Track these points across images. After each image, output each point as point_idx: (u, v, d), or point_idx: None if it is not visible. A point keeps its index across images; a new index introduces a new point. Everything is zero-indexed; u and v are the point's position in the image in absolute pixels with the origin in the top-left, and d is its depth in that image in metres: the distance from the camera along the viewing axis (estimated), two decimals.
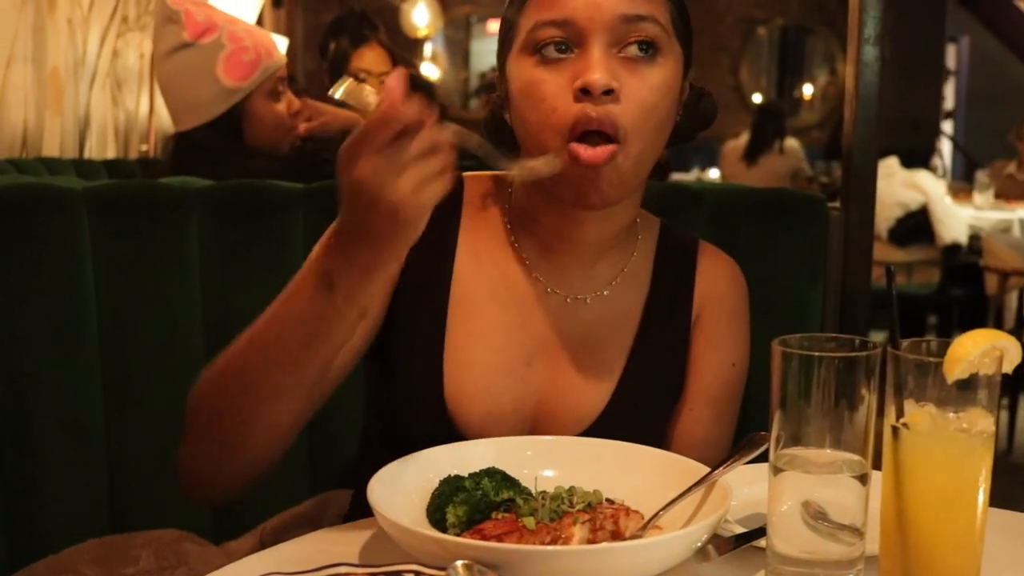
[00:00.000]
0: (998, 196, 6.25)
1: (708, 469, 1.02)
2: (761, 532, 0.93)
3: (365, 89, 0.95)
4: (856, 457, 0.85)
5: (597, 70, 1.07)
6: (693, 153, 8.18)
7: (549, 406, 1.21)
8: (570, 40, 1.10)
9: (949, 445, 0.84)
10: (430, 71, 7.91)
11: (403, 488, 1.01)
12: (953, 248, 5.26)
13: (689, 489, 1.00)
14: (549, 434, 1.19)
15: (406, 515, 0.96)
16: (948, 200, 5.54)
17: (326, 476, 1.59)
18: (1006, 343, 0.84)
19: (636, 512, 0.98)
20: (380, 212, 0.91)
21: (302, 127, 2.42)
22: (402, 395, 1.19)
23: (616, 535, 0.96)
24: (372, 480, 0.97)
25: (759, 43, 10.13)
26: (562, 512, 0.96)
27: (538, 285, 1.23)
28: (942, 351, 0.83)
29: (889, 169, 5.33)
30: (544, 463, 1.09)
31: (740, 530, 0.98)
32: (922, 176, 5.45)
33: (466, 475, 1.01)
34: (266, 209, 1.63)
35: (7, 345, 1.51)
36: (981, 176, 6.28)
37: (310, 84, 6.10)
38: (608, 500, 1.00)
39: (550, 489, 1.01)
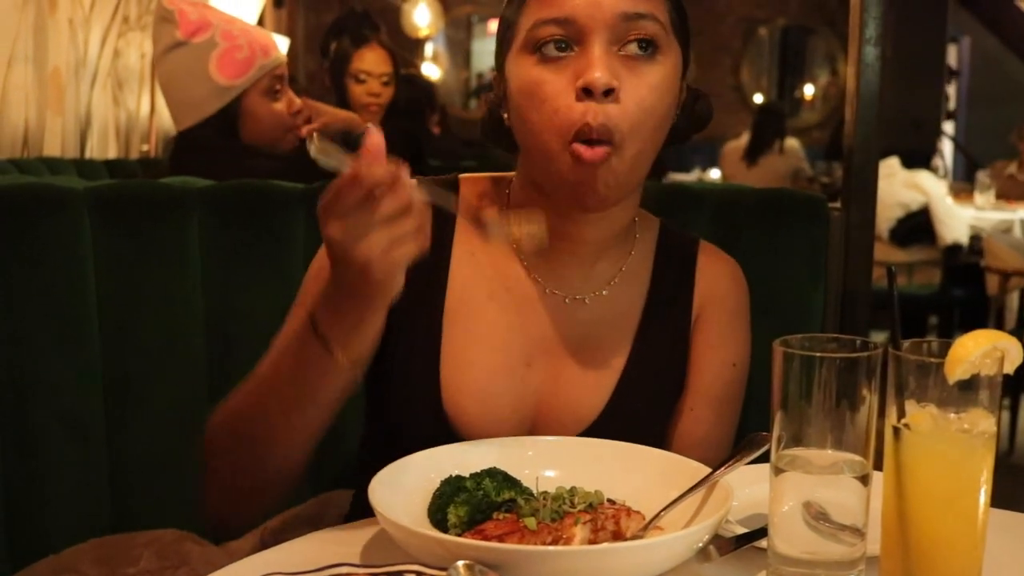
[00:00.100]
0: (999, 196, 6.25)
1: (709, 470, 1.02)
2: (762, 532, 0.93)
3: (333, 150, 0.96)
4: (857, 458, 0.85)
5: (598, 69, 1.08)
6: (694, 153, 8.18)
7: (548, 406, 1.21)
8: (570, 38, 1.10)
9: (950, 446, 0.84)
10: (431, 71, 7.91)
11: (404, 488, 1.01)
12: (954, 248, 5.26)
13: (690, 489, 1.00)
14: (548, 434, 1.19)
15: (407, 515, 0.96)
16: (949, 200, 5.54)
17: (327, 476, 1.59)
18: (1007, 344, 0.84)
19: (637, 512, 0.98)
20: (352, 270, 0.95)
21: (304, 129, 2.42)
22: (400, 397, 1.19)
23: (617, 535, 0.96)
24: (373, 480, 0.97)
25: (760, 43, 10.13)
26: (563, 512, 0.96)
27: (536, 286, 1.23)
28: (943, 352, 0.83)
29: (890, 169, 5.32)
30: (545, 463, 1.09)
31: (741, 530, 0.98)
32: (923, 176, 5.45)
33: (467, 475, 1.01)
34: (267, 209, 1.63)
35: (8, 345, 1.51)
36: (982, 176, 6.28)
37: (311, 84, 6.10)
38: (609, 500, 1.00)
39: (551, 489, 1.01)
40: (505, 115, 1.19)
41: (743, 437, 1.07)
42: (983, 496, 0.84)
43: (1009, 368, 0.84)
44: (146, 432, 1.59)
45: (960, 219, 5.40)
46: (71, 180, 1.72)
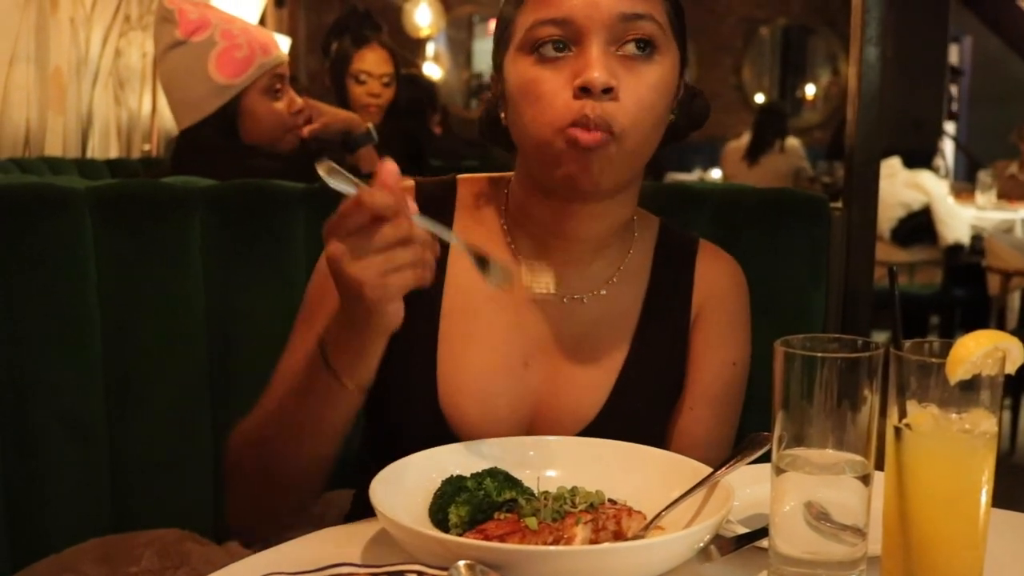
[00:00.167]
0: (1000, 196, 6.25)
1: (710, 470, 1.02)
2: (763, 532, 0.93)
3: (342, 173, 0.99)
4: (858, 458, 0.85)
5: (596, 68, 1.08)
6: (695, 153, 8.18)
7: (546, 407, 1.21)
8: (568, 39, 1.10)
9: (951, 446, 0.84)
10: (432, 71, 7.91)
11: (405, 488, 1.01)
12: (955, 248, 5.26)
13: (691, 489, 1.00)
14: (547, 434, 1.19)
15: (408, 515, 0.96)
16: (950, 200, 5.53)
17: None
18: (1009, 344, 0.83)
19: (638, 512, 0.98)
20: (348, 291, 0.98)
21: (305, 130, 2.42)
22: (398, 398, 1.19)
23: (618, 535, 0.96)
24: (374, 480, 0.97)
25: (761, 43, 10.13)
26: (564, 512, 0.96)
27: None
28: (944, 352, 0.82)
29: (891, 169, 5.32)
30: (546, 463, 1.09)
31: (742, 530, 0.98)
32: (924, 176, 5.44)
33: (468, 475, 1.01)
34: (268, 209, 1.63)
35: (9, 344, 1.51)
36: (983, 176, 6.27)
37: (312, 84, 6.10)
38: (610, 500, 1.00)
39: (552, 489, 1.01)
40: (503, 114, 1.19)
41: (744, 437, 1.07)
42: (984, 496, 0.84)
43: (1010, 368, 0.84)
44: (147, 432, 1.59)
45: (961, 219, 5.40)
46: (72, 180, 1.72)
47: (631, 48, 1.11)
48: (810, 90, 10.27)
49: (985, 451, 0.83)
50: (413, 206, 0.98)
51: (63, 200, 1.54)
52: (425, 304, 1.20)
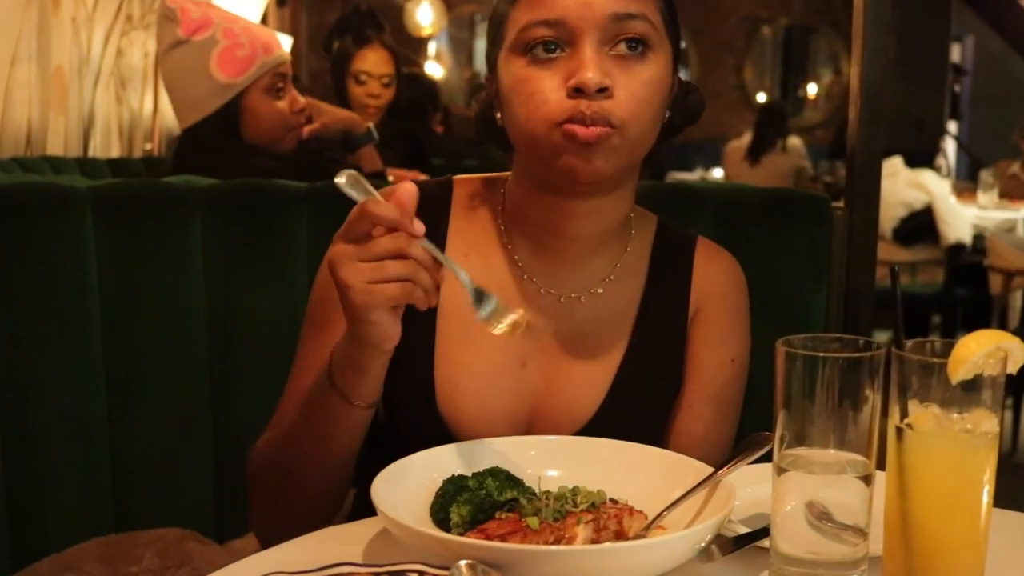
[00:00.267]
0: (1002, 196, 6.25)
1: (712, 469, 1.02)
2: (765, 532, 0.93)
3: (359, 184, 1.02)
4: (860, 458, 0.85)
5: (591, 69, 1.08)
6: (697, 153, 8.18)
7: (544, 406, 1.21)
8: (561, 39, 1.10)
9: (953, 446, 0.84)
10: (434, 70, 7.91)
11: (407, 487, 1.01)
12: (957, 248, 5.25)
13: (693, 489, 1.00)
14: (545, 434, 1.19)
15: (409, 514, 0.96)
16: (952, 200, 5.53)
17: None
18: (1010, 344, 0.83)
19: (640, 512, 0.98)
20: (340, 295, 1.00)
21: (305, 130, 2.42)
22: (396, 398, 1.19)
23: (620, 535, 0.96)
24: (376, 479, 0.97)
25: (763, 42, 10.13)
26: (566, 512, 0.96)
27: (531, 285, 1.23)
28: (946, 352, 0.82)
29: (893, 169, 5.32)
30: (548, 463, 1.09)
31: (744, 530, 0.98)
32: (926, 176, 5.44)
33: (470, 475, 1.01)
34: (269, 208, 1.63)
35: (10, 344, 1.51)
36: (985, 176, 6.27)
37: (314, 83, 6.10)
38: (612, 500, 1.00)
39: (554, 489, 1.01)
40: (498, 114, 1.19)
41: (745, 436, 1.07)
42: (986, 496, 0.84)
43: (1012, 368, 0.84)
44: (148, 431, 1.59)
45: (963, 218, 5.39)
46: (74, 179, 1.72)
47: (624, 48, 1.11)
48: (812, 89, 10.27)
49: (986, 451, 0.83)
50: (420, 228, 1.00)
51: (65, 199, 1.54)
52: None
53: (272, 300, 1.61)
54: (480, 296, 1.04)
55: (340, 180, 1.02)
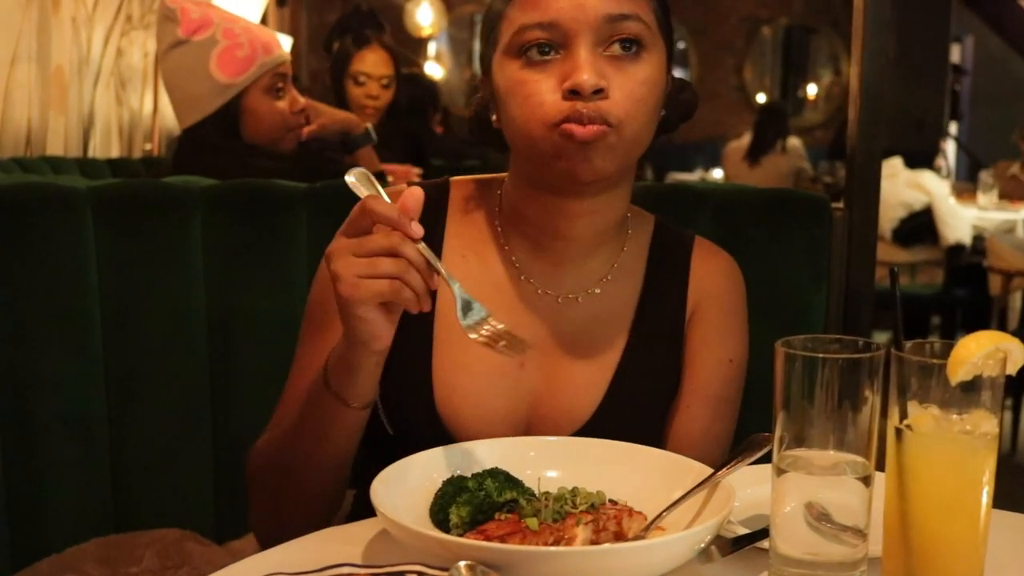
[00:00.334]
0: (1002, 197, 6.25)
1: (711, 470, 1.02)
2: (764, 533, 0.93)
3: (367, 183, 1.04)
4: (859, 459, 0.85)
5: (586, 71, 1.08)
6: (696, 153, 8.19)
7: (542, 407, 1.21)
8: (555, 41, 1.11)
9: (952, 447, 0.84)
10: (434, 70, 7.91)
11: (406, 488, 1.01)
12: (957, 249, 5.26)
13: (692, 490, 1.00)
14: (543, 435, 1.19)
15: (409, 515, 0.96)
16: (952, 200, 5.53)
17: None
18: (1010, 345, 0.83)
19: (639, 513, 0.98)
20: (333, 286, 1.01)
21: (304, 131, 2.42)
22: (394, 399, 1.19)
23: (619, 536, 0.96)
24: (375, 480, 0.97)
25: (763, 43, 10.13)
26: (565, 513, 0.96)
27: (528, 286, 1.23)
28: (945, 353, 0.82)
29: (893, 169, 5.32)
30: (547, 464, 1.09)
31: (743, 531, 0.98)
32: (926, 176, 5.44)
33: (469, 475, 1.01)
34: (269, 208, 1.63)
35: (10, 344, 1.51)
36: (985, 176, 6.27)
37: (314, 84, 6.10)
38: (611, 501, 1.00)
39: (553, 490, 1.01)
40: (493, 116, 1.19)
41: (744, 437, 1.07)
42: (985, 497, 0.84)
43: (1011, 369, 0.84)
44: (148, 431, 1.59)
45: (963, 219, 5.39)
46: (74, 179, 1.72)
47: (618, 48, 1.11)
48: (812, 90, 10.27)
49: (986, 452, 0.83)
50: (418, 231, 1.00)
51: (65, 200, 1.54)
52: None
53: (272, 300, 1.61)
54: (468, 306, 1.05)
55: (350, 178, 1.04)
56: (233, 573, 0.93)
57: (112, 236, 1.56)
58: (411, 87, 3.92)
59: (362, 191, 1.03)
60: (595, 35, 1.10)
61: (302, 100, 2.36)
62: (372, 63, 3.42)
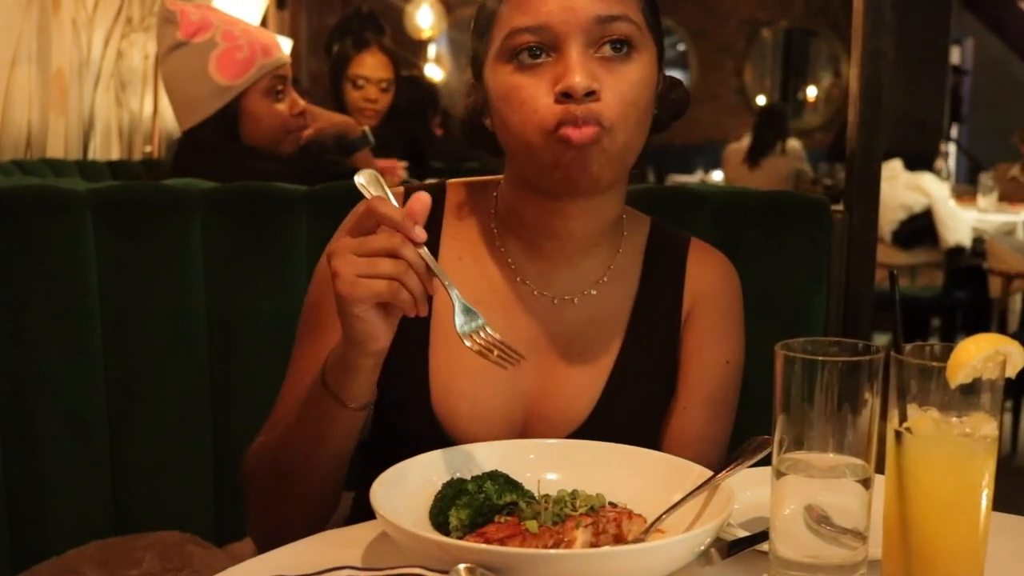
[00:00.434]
0: (1002, 199, 6.24)
1: (711, 473, 1.02)
2: (764, 536, 0.93)
3: (377, 185, 1.06)
4: (859, 461, 0.85)
5: (577, 73, 1.08)
6: (696, 155, 8.19)
7: (539, 408, 1.21)
8: (545, 44, 1.11)
9: (952, 449, 0.84)
10: (434, 73, 7.91)
11: (406, 491, 1.01)
12: (957, 251, 5.25)
13: (692, 493, 1.00)
14: (539, 436, 1.19)
15: (408, 518, 0.96)
16: (952, 203, 5.53)
17: None
18: (1009, 347, 0.83)
19: (639, 516, 0.98)
20: (332, 284, 1.01)
21: (304, 134, 2.42)
22: (391, 401, 1.19)
23: (619, 539, 0.96)
24: (375, 483, 0.97)
25: (763, 45, 10.14)
26: (565, 515, 0.96)
27: (524, 288, 1.23)
28: (945, 355, 0.82)
29: (892, 171, 5.32)
30: (547, 466, 1.09)
31: (743, 534, 0.98)
32: (926, 178, 5.44)
33: (469, 478, 1.01)
34: (269, 211, 1.63)
35: (11, 345, 1.51)
36: (985, 179, 6.27)
37: (314, 86, 6.11)
38: (611, 503, 1.00)
39: (553, 492, 1.01)
40: (487, 121, 1.20)
41: (743, 440, 1.07)
42: (985, 500, 0.84)
43: (1011, 372, 0.84)
44: (148, 434, 1.59)
45: (963, 221, 5.39)
46: (74, 182, 1.72)
47: (609, 49, 1.11)
48: (811, 92, 10.27)
49: (985, 455, 0.83)
50: (421, 235, 1.01)
51: (64, 202, 1.54)
52: None
53: (272, 302, 1.61)
54: (466, 313, 1.05)
55: (360, 179, 1.05)
56: None
57: (112, 238, 1.56)
58: (411, 89, 3.92)
59: (370, 193, 1.04)
60: (585, 37, 1.10)
61: (302, 102, 2.36)
62: (371, 66, 3.42)
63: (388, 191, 1.05)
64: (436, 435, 1.17)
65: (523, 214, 1.22)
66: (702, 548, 0.91)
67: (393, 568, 0.86)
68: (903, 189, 5.32)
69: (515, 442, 1.14)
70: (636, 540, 0.96)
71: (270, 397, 1.26)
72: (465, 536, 0.95)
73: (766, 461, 0.92)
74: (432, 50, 8.39)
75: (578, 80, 1.07)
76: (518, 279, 1.23)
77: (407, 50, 6.44)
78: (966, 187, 7.09)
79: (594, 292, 1.24)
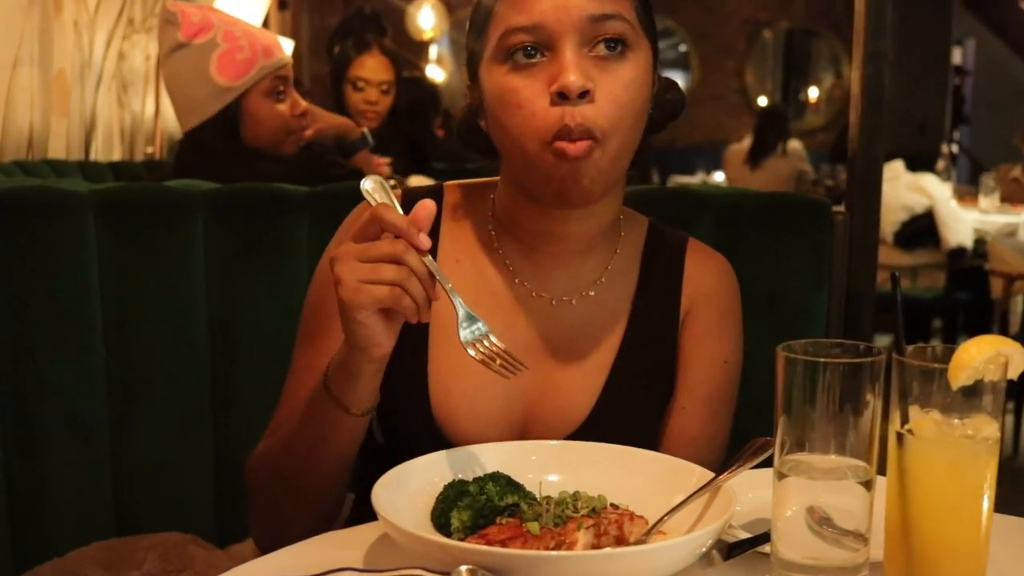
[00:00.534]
0: (1004, 200, 6.24)
1: (713, 474, 1.02)
2: (765, 538, 0.93)
3: (383, 191, 1.06)
4: (861, 463, 0.85)
5: (572, 72, 1.08)
6: (698, 156, 8.19)
7: (537, 409, 1.21)
8: (540, 44, 1.11)
9: (954, 451, 0.84)
10: (435, 74, 7.91)
11: (407, 492, 1.01)
12: (958, 252, 5.25)
13: (694, 494, 1.00)
14: (538, 437, 1.19)
15: (410, 519, 0.96)
16: (953, 204, 5.53)
17: None
18: (1011, 349, 0.83)
19: (640, 517, 0.98)
20: (335, 290, 1.01)
21: (305, 134, 2.42)
22: (390, 402, 1.19)
23: (620, 540, 0.96)
24: (377, 484, 0.97)
25: (764, 46, 10.13)
26: (566, 517, 0.96)
27: (522, 289, 1.23)
28: (947, 357, 0.82)
29: (894, 172, 5.31)
30: (548, 468, 1.09)
31: (745, 535, 0.98)
32: (927, 179, 5.44)
33: (471, 479, 1.01)
34: (271, 212, 1.63)
35: (12, 347, 1.51)
36: (986, 179, 6.26)
37: (315, 87, 6.11)
38: (612, 505, 1.00)
39: (554, 494, 1.01)
40: (482, 122, 1.20)
41: (744, 441, 1.07)
42: (986, 502, 0.84)
43: (1013, 374, 0.84)
44: (150, 435, 1.59)
45: (964, 222, 5.39)
46: (76, 183, 1.72)
47: (603, 48, 1.12)
48: (813, 93, 10.27)
49: (987, 456, 0.83)
50: (426, 242, 1.01)
51: (66, 203, 1.55)
52: None
53: (273, 304, 1.61)
54: (469, 321, 1.05)
55: (366, 184, 1.05)
56: None
57: (114, 239, 1.56)
58: (413, 90, 3.92)
59: (377, 198, 1.04)
60: (580, 36, 1.10)
61: (303, 103, 2.36)
62: (371, 68, 3.42)
63: (393, 198, 1.05)
64: (435, 437, 1.17)
65: (520, 216, 1.22)
66: (704, 550, 0.91)
67: (394, 569, 0.86)
68: (904, 190, 5.32)
69: (517, 444, 1.14)
70: (638, 542, 0.95)
71: (271, 398, 1.26)
72: (467, 538, 0.95)
73: (768, 463, 0.92)
74: (434, 51, 8.39)
75: (573, 79, 1.07)
76: (516, 281, 1.23)
77: (409, 51, 6.45)
78: (968, 188, 7.09)
79: (592, 293, 1.24)
